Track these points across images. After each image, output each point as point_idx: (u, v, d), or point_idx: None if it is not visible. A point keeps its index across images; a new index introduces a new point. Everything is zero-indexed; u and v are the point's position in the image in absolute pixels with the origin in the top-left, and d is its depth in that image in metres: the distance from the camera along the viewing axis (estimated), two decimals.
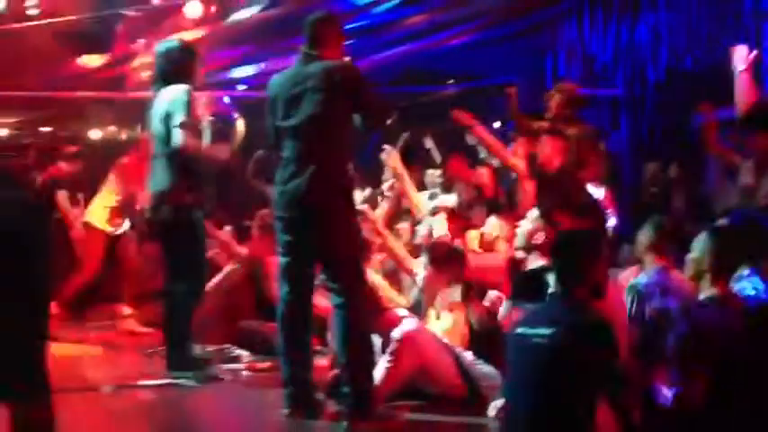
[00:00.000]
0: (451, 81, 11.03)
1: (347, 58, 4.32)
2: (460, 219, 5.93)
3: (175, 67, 5.02)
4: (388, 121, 4.49)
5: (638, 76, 9.29)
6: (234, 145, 5.44)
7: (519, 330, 3.34)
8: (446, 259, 4.73)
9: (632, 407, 3.29)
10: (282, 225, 4.14)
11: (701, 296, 3.46)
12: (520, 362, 3.32)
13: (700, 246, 3.49)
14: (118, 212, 7.13)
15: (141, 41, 8.83)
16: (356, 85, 4.08)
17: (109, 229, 7.09)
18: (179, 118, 4.78)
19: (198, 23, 8.91)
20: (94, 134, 9.34)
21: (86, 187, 7.71)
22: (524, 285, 3.96)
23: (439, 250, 4.81)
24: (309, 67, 4.07)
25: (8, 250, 2.52)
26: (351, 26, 9.40)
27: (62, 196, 7.46)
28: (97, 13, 7.67)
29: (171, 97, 4.88)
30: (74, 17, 7.50)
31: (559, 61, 10.18)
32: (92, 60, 8.47)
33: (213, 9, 9.06)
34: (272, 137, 4.23)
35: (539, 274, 3.90)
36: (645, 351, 3.80)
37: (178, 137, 4.79)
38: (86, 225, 7.12)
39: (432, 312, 4.73)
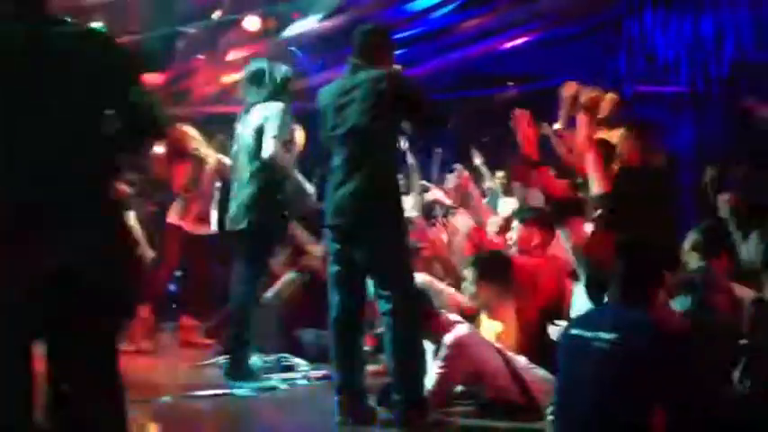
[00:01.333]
0: (510, 84, 10.94)
1: (397, 67, 4.33)
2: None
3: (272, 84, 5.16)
4: (441, 126, 4.48)
5: (701, 73, 9.07)
6: (293, 155, 5.52)
7: (574, 332, 3.26)
8: (493, 270, 4.69)
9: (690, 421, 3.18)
10: (332, 234, 4.17)
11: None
12: (575, 365, 3.24)
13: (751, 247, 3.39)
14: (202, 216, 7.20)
15: (201, 57, 9.00)
16: (403, 92, 4.08)
17: (194, 229, 7.13)
18: (273, 130, 4.92)
19: (256, 37, 9.04)
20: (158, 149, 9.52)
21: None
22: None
23: (485, 262, 4.77)
24: (356, 77, 4.11)
25: None
26: (408, 33, 9.44)
27: (131, 217, 7.62)
28: (157, 31, 7.82)
29: (267, 113, 5.02)
30: (134, 36, 7.66)
31: (620, 60, 10.01)
32: (153, 78, 8.64)
33: (271, 23, 9.18)
34: (325, 146, 4.27)
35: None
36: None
37: (270, 147, 4.91)
38: (170, 226, 7.14)
39: (483, 319, 4.69)
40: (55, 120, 2.43)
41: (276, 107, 5.03)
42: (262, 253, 5.24)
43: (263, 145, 4.95)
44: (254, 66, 5.34)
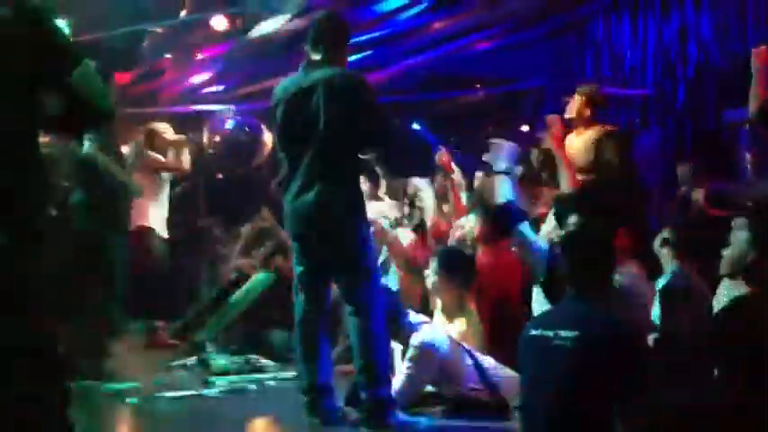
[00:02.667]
0: (477, 86, 11.00)
1: (356, 65, 4.27)
2: None
3: None
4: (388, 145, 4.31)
5: (667, 75, 9.19)
6: (261, 156, 5.55)
7: (534, 332, 3.29)
8: (456, 265, 4.71)
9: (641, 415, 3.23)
10: (294, 238, 4.13)
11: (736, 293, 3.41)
12: (537, 364, 3.27)
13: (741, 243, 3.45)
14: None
15: (168, 56, 8.93)
16: (360, 94, 3.94)
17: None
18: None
19: (223, 37, 8.98)
20: (125, 148, 9.46)
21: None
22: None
23: (448, 256, 4.78)
24: (313, 75, 3.96)
25: None
26: (375, 35, 9.44)
27: None
28: (123, 29, 7.75)
29: None
30: (100, 34, 7.59)
31: (587, 62, 10.12)
32: (120, 77, 8.55)
33: (238, 22, 9.13)
34: (279, 147, 4.19)
35: None
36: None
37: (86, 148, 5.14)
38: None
39: (441, 315, 4.72)
40: None
41: None
42: (107, 263, 5.28)
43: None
44: None
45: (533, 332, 3.27)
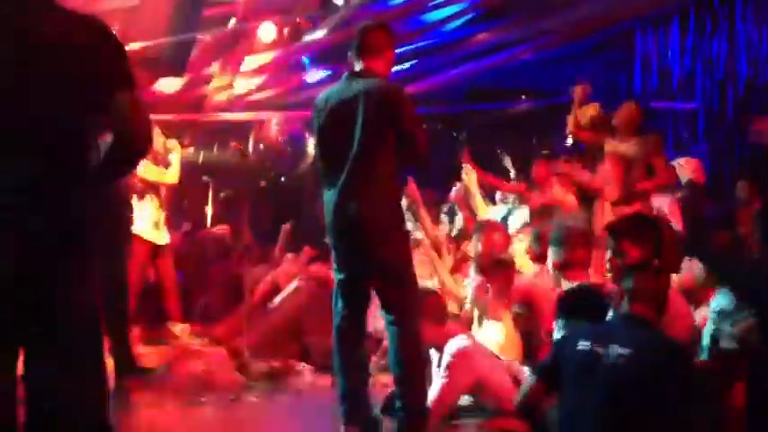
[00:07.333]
0: (523, 97, 10.96)
1: (395, 67, 4.25)
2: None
3: None
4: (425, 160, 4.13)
5: (715, 89, 9.08)
6: (305, 164, 5.62)
7: (582, 346, 3.24)
8: (494, 269, 4.68)
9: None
10: (334, 246, 4.14)
11: None
12: (583, 378, 3.21)
13: None
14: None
15: (216, 64, 9.03)
16: (397, 109, 3.92)
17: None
18: None
19: (271, 46, 9.07)
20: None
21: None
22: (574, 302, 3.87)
23: (487, 260, 4.76)
24: (353, 87, 3.97)
25: None
26: (419, 45, 9.47)
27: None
28: (173, 38, 7.84)
29: None
30: (150, 42, 7.70)
31: (635, 76, 10.03)
32: (168, 84, 8.68)
33: (286, 31, 9.21)
34: (319, 156, 4.20)
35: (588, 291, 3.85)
36: None
37: None
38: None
39: (481, 322, 4.70)
40: (28, 113, 2.29)
41: None
42: None
43: None
44: None
45: (581, 346, 3.23)
